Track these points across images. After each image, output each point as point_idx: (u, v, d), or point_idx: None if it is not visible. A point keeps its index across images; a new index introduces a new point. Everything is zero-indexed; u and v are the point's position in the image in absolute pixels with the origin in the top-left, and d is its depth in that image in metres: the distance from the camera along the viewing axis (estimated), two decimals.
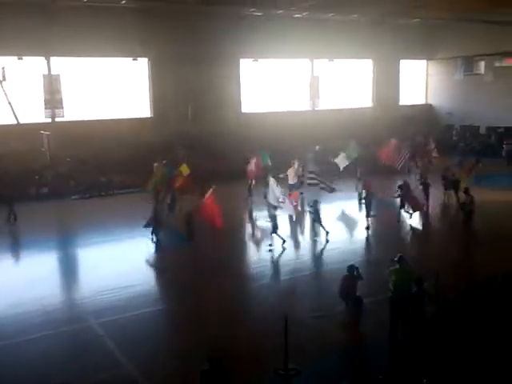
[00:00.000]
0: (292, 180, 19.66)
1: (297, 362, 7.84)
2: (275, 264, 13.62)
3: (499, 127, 31.95)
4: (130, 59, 25.27)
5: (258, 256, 14.42)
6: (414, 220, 17.05)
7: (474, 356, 7.29)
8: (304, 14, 26.14)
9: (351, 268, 9.89)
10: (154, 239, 14.88)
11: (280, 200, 15.43)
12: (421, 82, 36.41)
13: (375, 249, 15.21)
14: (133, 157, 22.67)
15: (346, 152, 21.99)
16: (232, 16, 25.49)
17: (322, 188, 18.00)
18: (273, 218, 14.64)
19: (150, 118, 26.35)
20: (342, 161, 21.98)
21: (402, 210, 16.83)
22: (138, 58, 25.44)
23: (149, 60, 25.90)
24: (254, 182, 20.09)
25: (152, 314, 10.57)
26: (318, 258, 14.27)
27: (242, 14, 25.59)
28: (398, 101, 34.66)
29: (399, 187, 16.78)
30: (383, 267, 9.83)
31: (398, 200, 16.88)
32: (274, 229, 14.57)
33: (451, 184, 18.74)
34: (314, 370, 8.00)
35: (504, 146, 29.84)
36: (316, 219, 15.40)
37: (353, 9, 25.19)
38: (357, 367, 8.39)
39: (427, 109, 36.15)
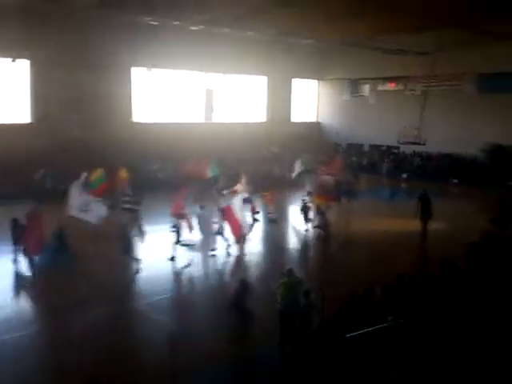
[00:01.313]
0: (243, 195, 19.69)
1: (186, 379, 7.91)
2: (159, 280, 13.17)
3: (382, 145, 35.05)
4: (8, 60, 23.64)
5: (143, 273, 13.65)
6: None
7: (357, 366, 8.01)
8: (200, 27, 26.62)
9: (243, 281, 10.35)
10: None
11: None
12: (312, 101, 38.76)
13: (264, 263, 15.41)
14: (8, 164, 21.08)
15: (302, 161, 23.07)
16: (126, 23, 25.15)
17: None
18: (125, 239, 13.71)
19: (30, 123, 24.98)
20: (297, 168, 23.18)
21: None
22: (18, 60, 23.87)
23: (30, 62, 24.57)
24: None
25: (21, 338, 9.84)
26: (206, 273, 14.30)
27: (138, 22, 25.41)
28: (290, 118, 36.52)
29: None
30: (271, 281, 10.36)
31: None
32: (126, 249, 13.59)
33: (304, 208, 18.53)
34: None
35: (384, 163, 32.91)
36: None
37: (248, 26, 26.17)
38: (246, 381, 8.68)
39: (317, 127, 38.49)
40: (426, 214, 16.99)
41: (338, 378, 7.75)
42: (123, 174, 19.17)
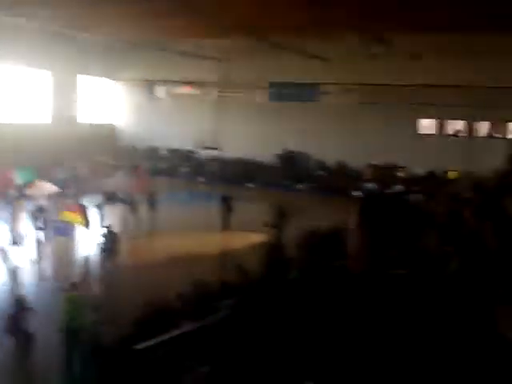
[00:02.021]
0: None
1: None
2: None
3: (181, 150, 35.16)
4: None
5: None
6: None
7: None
8: None
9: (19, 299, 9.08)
10: None
11: None
12: (107, 102, 37.06)
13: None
14: None
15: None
16: None
17: None
18: None
19: None
20: None
21: None
22: None
23: None
24: None
25: None
26: None
27: None
28: (76, 119, 33.95)
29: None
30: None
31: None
32: None
33: None
34: None
35: (183, 167, 33.28)
36: None
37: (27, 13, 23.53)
38: None
39: (111, 129, 36.96)
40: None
41: None
42: None
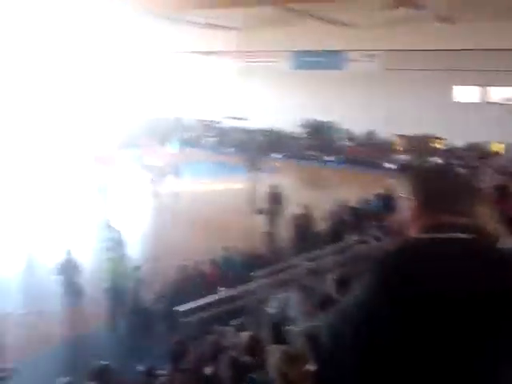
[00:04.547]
0: None
1: (9, 362, 7.77)
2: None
3: (204, 120, 35.92)
4: None
5: None
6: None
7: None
8: None
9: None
10: None
11: None
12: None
13: None
14: None
15: None
16: None
17: None
18: None
19: None
20: None
21: None
22: None
23: None
24: None
25: None
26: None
27: None
28: None
29: None
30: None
31: None
32: None
33: None
34: (30, 368, 8.06)
35: (208, 137, 34.00)
36: None
37: None
38: (77, 359, 8.72)
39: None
40: None
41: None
42: None
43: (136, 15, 29.91)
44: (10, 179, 16.87)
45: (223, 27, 29.83)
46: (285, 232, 13.66)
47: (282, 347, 4.82)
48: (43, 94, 29.94)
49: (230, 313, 8.48)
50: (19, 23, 26.79)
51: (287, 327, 5.81)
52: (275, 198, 15.28)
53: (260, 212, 15.51)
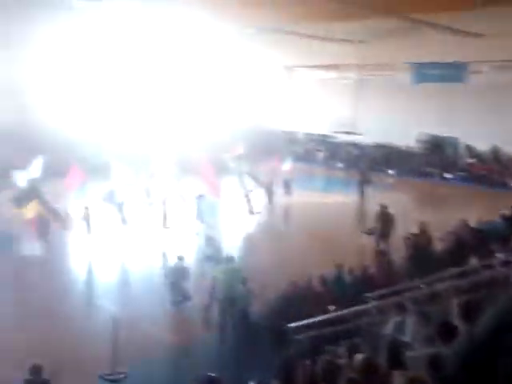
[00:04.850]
0: None
1: (124, 366, 8.17)
2: (105, 264, 13.83)
3: (316, 134, 35.94)
4: None
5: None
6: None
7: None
8: None
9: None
10: None
11: None
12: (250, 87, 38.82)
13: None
14: None
15: None
16: None
17: None
18: None
19: None
20: None
21: None
22: None
23: None
24: None
25: None
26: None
27: None
28: None
29: None
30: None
31: None
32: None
33: None
34: (143, 373, 8.39)
35: (319, 152, 33.99)
36: None
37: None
38: (186, 367, 8.91)
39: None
40: None
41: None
42: None
43: (251, 31, 31.05)
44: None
45: (342, 40, 29.77)
46: (398, 252, 13.07)
47: (404, 372, 4.57)
48: (160, 107, 31.62)
49: (340, 333, 8.26)
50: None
51: (404, 352, 5.54)
52: (385, 218, 14.79)
53: (369, 233, 15.13)
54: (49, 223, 14.09)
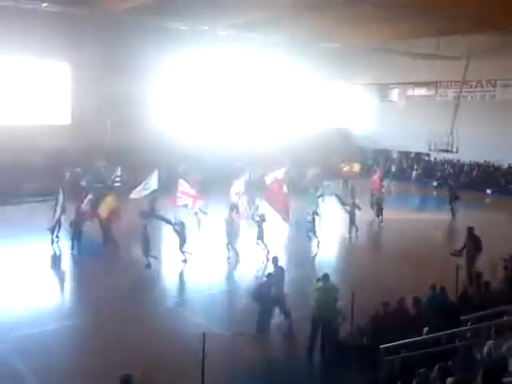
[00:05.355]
0: None
1: (215, 379, 8.40)
2: (194, 279, 14.35)
3: (411, 152, 35.34)
4: (48, 62, 26.28)
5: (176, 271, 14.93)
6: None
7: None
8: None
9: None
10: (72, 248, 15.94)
11: None
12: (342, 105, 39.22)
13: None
14: (48, 164, 23.55)
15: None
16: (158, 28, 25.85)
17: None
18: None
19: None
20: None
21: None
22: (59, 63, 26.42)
23: (70, 65, 26.61)
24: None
25: (62, 329, 10.85)
26: (231, 274, 15.17)
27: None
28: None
29: None
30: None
31: None
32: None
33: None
34: None
35: (414, 170, 33.28)
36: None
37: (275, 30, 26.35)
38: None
39: (345, 132, 38.82)
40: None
41: None
42: None
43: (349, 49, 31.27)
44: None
45: (443, 57, 29.25)
46: (493, 273, 12.65)
47: None
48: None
49: (432, 355, 8.20)
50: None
51: (502, 377, 5.51)
52: (472, 241, 14.35)
53: (455, 254, 14.67)
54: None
